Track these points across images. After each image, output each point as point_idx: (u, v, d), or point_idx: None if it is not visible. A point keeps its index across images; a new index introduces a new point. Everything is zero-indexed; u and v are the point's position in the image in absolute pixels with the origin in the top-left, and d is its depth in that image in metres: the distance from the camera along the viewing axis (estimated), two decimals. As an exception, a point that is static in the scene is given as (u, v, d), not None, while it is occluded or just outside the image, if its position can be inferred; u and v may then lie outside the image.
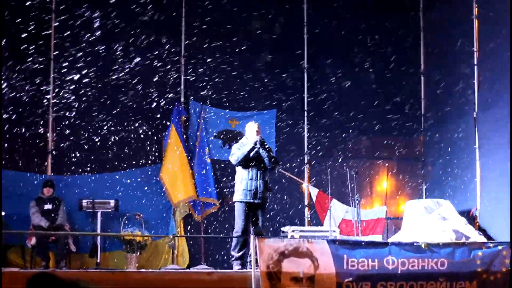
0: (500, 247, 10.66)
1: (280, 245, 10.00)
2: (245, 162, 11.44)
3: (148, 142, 14.61)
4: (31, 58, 14.03)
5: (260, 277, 9.75)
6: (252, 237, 10.18)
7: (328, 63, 15.67)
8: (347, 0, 15.92)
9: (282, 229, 13.43)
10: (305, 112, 15.62)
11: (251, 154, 11.39)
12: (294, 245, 10.07)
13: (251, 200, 11.38)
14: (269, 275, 9.78)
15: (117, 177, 14.27)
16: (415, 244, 10.51)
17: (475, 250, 10.56)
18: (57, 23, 14.36)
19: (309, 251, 10.04)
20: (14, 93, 13.82)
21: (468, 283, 10.41)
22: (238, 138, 13.37)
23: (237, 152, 11.51)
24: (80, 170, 14.30)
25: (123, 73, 14.39)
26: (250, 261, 10.49)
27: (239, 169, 11.60)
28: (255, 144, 11.42)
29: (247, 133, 11.74)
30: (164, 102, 14.66)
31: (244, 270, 10.90)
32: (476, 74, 14.14)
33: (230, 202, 12.86)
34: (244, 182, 11.42)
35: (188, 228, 14.72)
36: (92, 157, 14.30)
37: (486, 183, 13.62)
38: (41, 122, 14.29)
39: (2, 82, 13.56)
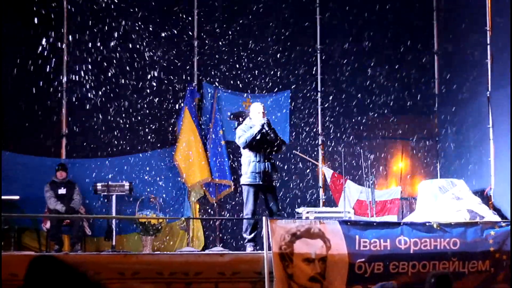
0: (512, 226, 10.64)
1: (292, 226, 9.99)
2: (252, 144, 11.26)
3: (162, 125, 14.64)
4: (44, 42, 14.11)
5: (273, 258, 9.75)
6: (264, 218, 10.14)
7: (341, 44, 15.61)
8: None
9: (297, 210, 13.41)
10: (319, 93, 15.60)
11: (258, 136, 11.21)
12: (306, 226, 10.06)
13: (260, 183, 11.26)
14: (281, 256, 9.78)
15: (132, 160, 14.33)
16: (427, 224, 10.50)
17: (487, 230, 10.53)
18: (70, 5, 14.44)
19: (321, 232, 10.03)
20: (27, 77, 13.89)
21: (480, 262, 10.39)
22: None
23: (244, 134, 11.30)
24: (94, 153, 14.35)
25: (136, 55, 14.43)
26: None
27: (245, 151, 11.40)
28: (263, 126, 11.21)
29: (251, 114, 11.52)
30: (177, 84, 14.67)
31: (256, 251, 10.89)
32: (489, 53, 14.07)
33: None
34: (252, 164, 11.24)
35: (205, 210, 14.76)
36: (106, 141, 14.33)
37: (500, 162, 13.56)
38: (55, 106, 14.34)
39: (16, 67, 13.67)
